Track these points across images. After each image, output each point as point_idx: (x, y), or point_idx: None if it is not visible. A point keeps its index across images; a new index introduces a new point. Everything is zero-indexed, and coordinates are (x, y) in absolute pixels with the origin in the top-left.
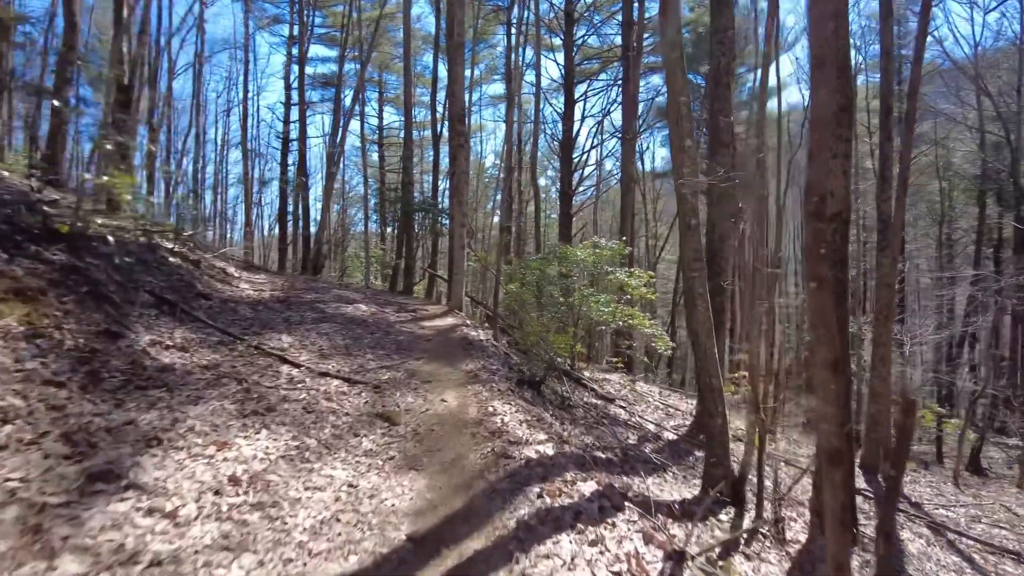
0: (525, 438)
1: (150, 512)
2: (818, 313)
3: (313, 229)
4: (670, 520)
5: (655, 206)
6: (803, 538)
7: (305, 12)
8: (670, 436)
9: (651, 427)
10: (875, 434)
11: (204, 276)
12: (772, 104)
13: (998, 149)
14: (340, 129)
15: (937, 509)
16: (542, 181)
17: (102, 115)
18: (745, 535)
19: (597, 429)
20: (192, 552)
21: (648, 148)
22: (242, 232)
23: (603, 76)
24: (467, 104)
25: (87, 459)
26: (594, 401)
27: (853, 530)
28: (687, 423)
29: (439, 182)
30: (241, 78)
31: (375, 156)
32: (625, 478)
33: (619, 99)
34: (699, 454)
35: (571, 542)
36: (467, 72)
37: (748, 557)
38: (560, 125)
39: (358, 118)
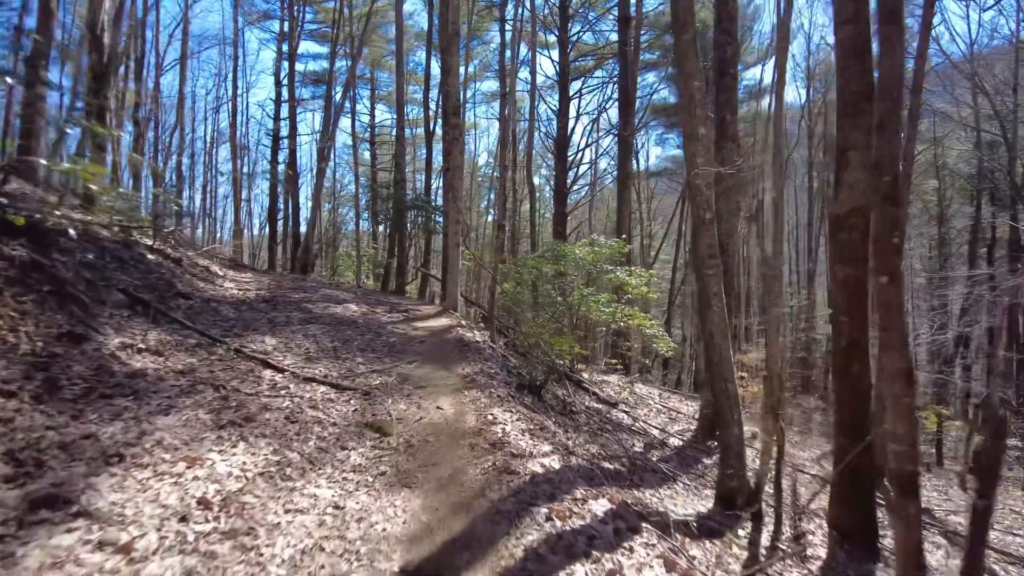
0: (528, 450)
1: (100, 546)
2: (888, 313)
3: (304, 228)
4: (688, 539)
5: (649, 205)
6: (823, 553)
7: (295, 8)
8: (675, 442)
9: (655, 432)
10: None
11: (186, 275)
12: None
13: (992, 148)
14: (331, 123)
15: (948, 515)
16: (536, 180)
17: (69, 101)
18: (765, 552)
19: (601, 436)
20: None
21: (643, 147)
22: (231, 230)
23: (598, 74)
24: (462, 100)
25: (32, 481)
26: (596, 406)
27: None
28: (691, 428)
29: (432, 180)
30: (231, 74)
31: (367, 155)
32: (636, 492)
33: (615, 96)
34: (707, 461)
35: (587, 574)
36: (461, 68)
37: None
38: (555, 123)
39: (349, 115)
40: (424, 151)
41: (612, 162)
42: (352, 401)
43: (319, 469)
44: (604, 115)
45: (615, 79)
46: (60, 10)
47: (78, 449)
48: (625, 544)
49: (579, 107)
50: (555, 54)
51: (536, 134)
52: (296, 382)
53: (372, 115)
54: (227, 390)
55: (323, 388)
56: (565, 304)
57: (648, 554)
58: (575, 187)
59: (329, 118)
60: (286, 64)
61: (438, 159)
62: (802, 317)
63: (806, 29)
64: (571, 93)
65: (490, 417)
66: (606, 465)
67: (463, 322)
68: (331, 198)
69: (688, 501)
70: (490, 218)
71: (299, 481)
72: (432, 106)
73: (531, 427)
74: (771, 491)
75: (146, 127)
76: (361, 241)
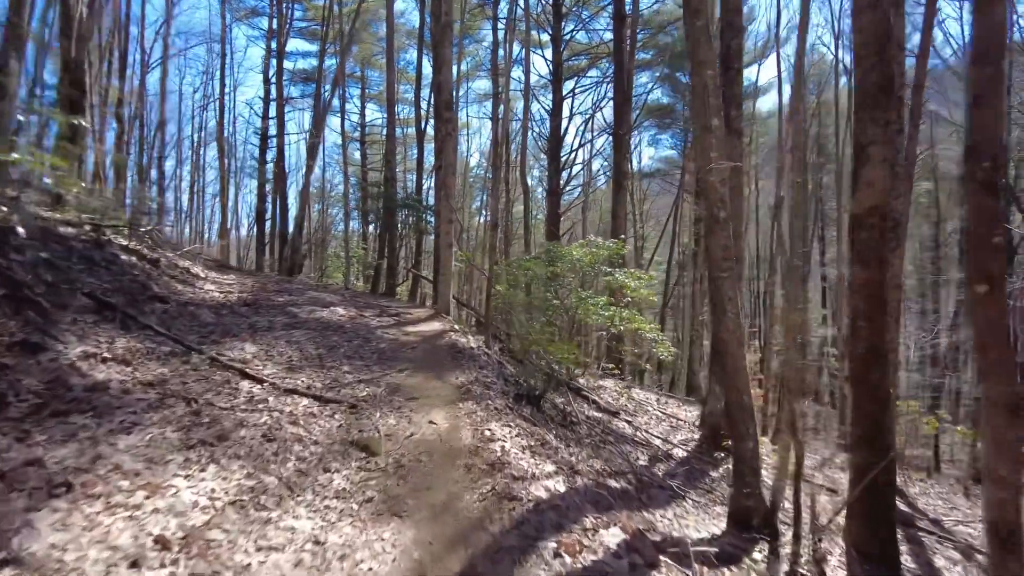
0: (531, 471)
1: None
2: (988, 331)
3: (292, 228)
4: (706, 569)
5: (642, 207)
6: (842, 574)
7: (284, 5)
8: (680, 453)
9: (658, 443)
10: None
11: (163, 276)
12: (772, 102)
13: None
14: (321, 113)
15: (957, 526)
16: (529, 181)
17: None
18: None
19: (604, 449)
20: None
21: (636, 148)
22: (219, 231)
23: (591, 73)
24: (454, 98)
25: None
26: (596, 415)
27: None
28: (694, 437)
29: (423, 180)
30: (218, 72)
31: (357, 155)
32: (646, 513)
33: (609, 95)
34: (714, 474)
35: None
36: (453, 67)
37: None
38: (548, 123)
39: (338, 114)
40: (415, 151)
41: (606, 163)
42: (337, 415)
43: (298, 496)
44: (598, 115)
45: (609, 78)
46: None
47: (19, 478)
48: None
49: (572, 107)
50: (548, 53)
51: (529, 134)
52: (276, 394)
53: (362, 114)
54: (200, 404)
55: (305, 401)
56: (562, 307)
57: None
58: (568, 188)
59: (319, 115)
60: (275, 62)
61: (429, 159)
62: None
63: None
64: (564, 92)
65: (487, 433)
66: (612, 483)
67: (456, 326)
68: (321, 198)
69: (700, 521)
70: (482, 219)
71: (275, 511)
72: (423, 105)
73: (532, 443)
74: (781, 507)
75: (132, 125)
76: (351, 242)
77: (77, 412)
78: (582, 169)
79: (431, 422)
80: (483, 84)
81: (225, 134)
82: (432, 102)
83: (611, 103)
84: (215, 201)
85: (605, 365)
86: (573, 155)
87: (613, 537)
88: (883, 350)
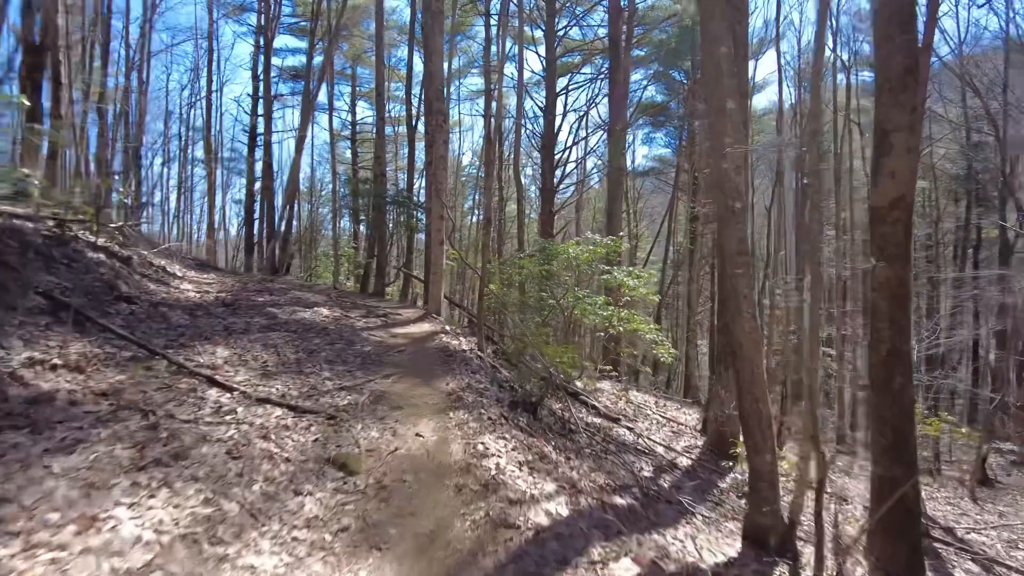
0: (529, 492)
1: None
2: None
3: (278, 224)
4: None
5: (635, 206)
6: None
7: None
8: (684, 461)
9: (661, 450)
10: None
11: (134, 275)
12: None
13: (978, 149)
14: (309, 100)
15: (969, 534)
16: (522, 179)
17: None
18: None
19: (606, 460)
20: None
21: (629, 147)
22: (207, 230)
23: (585, 70)
24: (446, 94)
25: None
26: (595, 421)
27: None
28: (698, 443)
29: (415, 179)
30: (205, 69)
31: (348, 154)
32: (656, 535)
33: (603, 91)
34: (722, 485)
35: None
36: (444, 65)
37: None
38: (541, 120)
39: (326, 111)
40: (406, 150)
41: (599, 161)
42: (313, 428)
43: (262, 525)
44: (592, 111)
45: (604, 74)
46: None
47: None
48: None
49: (566, 104)
50: (542, 50)
51: (522, 131)
52: (246, 404)
53: (353, 112)
54: (158, 416)
55: (279, 411)
56: (558, 307)
57: None
58: (562, 186)
59: (306, 106)
60: (263, 58)
61: (421, 158)
62: (790, 320)
63: (797, 26)
64: (558, 89)
65: (480, 447)
66: (618, 501)
67: (447, 327)
68: (311, 197)
69: (712, 541)
70: (474, 219)
71: (233, 545)
72: (414, 103)
73: (529, 457)
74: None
75: (118, 122)
76: (340, 241)
77: (10, 428)
78: (575, 167)
79: (418, 435)
80: (475, 81)
81: (213, 132)
82: (422, 97)
83: (606, 99)
84: (204, 200)
85: (603, 367)
86: (567, 153)
87: (625, 572)
88: (907, 353)
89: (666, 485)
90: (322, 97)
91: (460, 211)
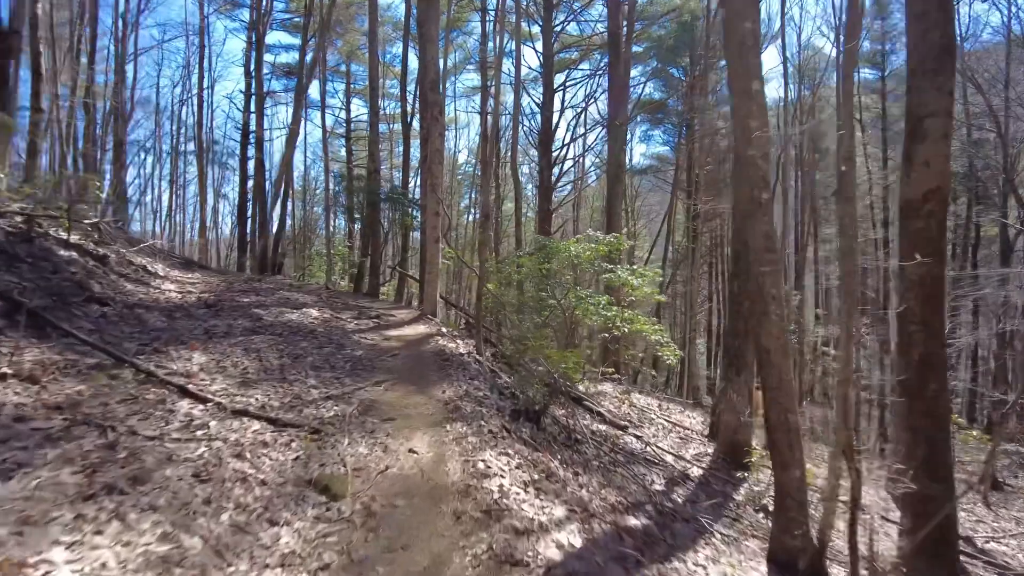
0: (538, 519)
1: None
2: None
3: (268, 221)
4: None
5: (634, 204)
6: None
7: None
8: (695, 471)
9: (671, 459)
10: None
11: (110, 275)
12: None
13: (978, 146)
14: (301, 91)
15: (988, 543)
16: (519, 176)
17: None
18: None
19: (616, 473)
20: None
21: (628, 144)
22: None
23: (583, 66)
24: (442, 90)
25: None
26: (601, 428)
27: None
28: (708, 451)
29: (410, 177)
30: (197, 66)
31: (343, 152)
32: (676, 563)
33: (602, 87)
34: (738, 497)
35: None
36: (440, 62)
37: None
38: (538, 117)
39: (319, 109)
40: (401, 147)
41: (597, 158)
42: (294, 444)
43: (228, 566)
44: (591, 108)
45: (602, 70)
46: None
47: None
48: None
49: (564, 100)
50: (539, 45)
51: (520, 128)
52: (221, 417)
53: (348, 110)
54: (118, 433)
55: (257, 425)
56: (559, 307)
57: None
58: (560, 184)
59: (298, 99)
60: (256, 55)
61: (415, 156)
62: (791, 320)
63: (797, 22)
64: (555, 86)
65: (481, 465)
66: (632, 522)
67: (444, 329)
68: (304, 196)
69: (736, 564)
70: (471, 217)
71: None
72: (410, 99)
73: (536, 476)
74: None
75: (108, 119)
76: (334, 239)
77: None
78: (573, 165)
79: (411, 451)
80: (472, 77)
81: (205, 129)
82: (417, 94)
83: (603, 96)
84: (196, 199)
85: (605, 369)
86: (564, 150)
87: None
88: (941, 359)
89: (680, 500)
90: (316, 94)
91: (456, 210)
